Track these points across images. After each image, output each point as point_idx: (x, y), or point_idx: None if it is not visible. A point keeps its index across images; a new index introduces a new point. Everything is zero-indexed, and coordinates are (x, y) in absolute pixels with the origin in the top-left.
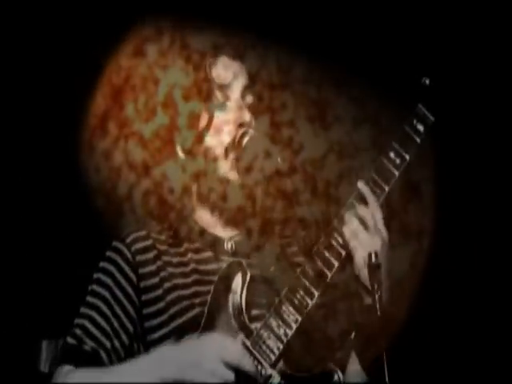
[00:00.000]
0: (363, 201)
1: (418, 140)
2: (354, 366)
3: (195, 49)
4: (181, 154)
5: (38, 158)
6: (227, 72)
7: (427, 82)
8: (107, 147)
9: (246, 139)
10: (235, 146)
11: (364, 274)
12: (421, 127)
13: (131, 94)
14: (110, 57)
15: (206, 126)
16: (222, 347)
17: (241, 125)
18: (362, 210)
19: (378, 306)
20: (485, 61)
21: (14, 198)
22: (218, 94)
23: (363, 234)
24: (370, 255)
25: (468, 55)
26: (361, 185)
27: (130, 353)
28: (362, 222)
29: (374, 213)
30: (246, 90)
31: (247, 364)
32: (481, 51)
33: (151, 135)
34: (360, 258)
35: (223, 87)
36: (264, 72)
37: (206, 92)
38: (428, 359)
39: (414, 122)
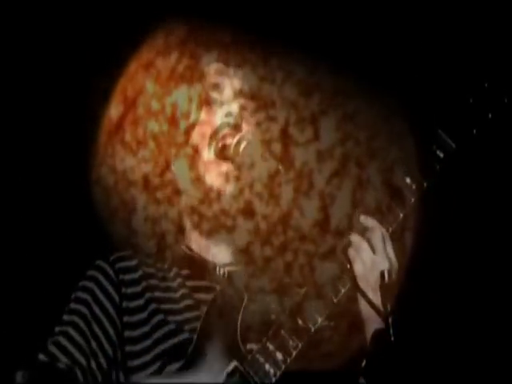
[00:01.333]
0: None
1: (438, 167)
2: None
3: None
4: (176, 166)
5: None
6: (222, 73)
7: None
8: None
9: (242, 146)
10: (232, 153)
11: (376, 296)
12: (441, 154)
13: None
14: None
15: (202, 134)
16: None
17: (236, 129)
18: (370, 234)
19: (391, 331)
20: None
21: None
22: (213, 94)
23: (371, 257)
24: (382, 275)
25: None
26: (363, 218)
27: (107, 378)
28: (371, 245)
29: (383, 238)
30: (241, 93)
31: None
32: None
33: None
34: (365, 279)
35: (215, 87)
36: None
37: (200, 96)
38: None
39: (434, 148)
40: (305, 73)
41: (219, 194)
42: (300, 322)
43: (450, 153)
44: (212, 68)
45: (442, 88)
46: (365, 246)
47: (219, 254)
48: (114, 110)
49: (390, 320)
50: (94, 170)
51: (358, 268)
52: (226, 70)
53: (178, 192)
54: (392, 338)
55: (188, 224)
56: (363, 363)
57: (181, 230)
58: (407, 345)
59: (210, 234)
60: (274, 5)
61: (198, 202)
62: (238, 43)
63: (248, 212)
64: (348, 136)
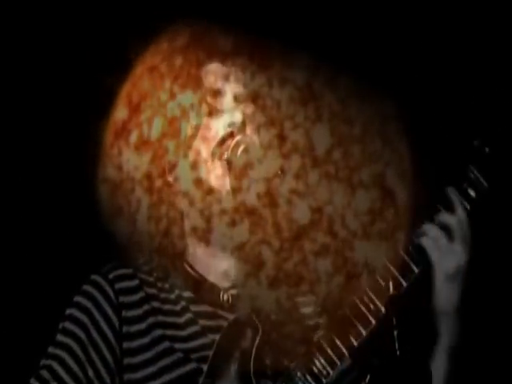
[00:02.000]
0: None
1: (469, 207)
2: None
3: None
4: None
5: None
6: (220, 78)
7: (483, 146)
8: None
9: (240, 149)
10: (230, 155)
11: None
12: (472, 193)
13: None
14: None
15: (200, 139)
16: None
17: (234, 133)
18: (447, 217)
19: (396, 345)
20: None
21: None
22: (211, 101)
23: (446, 244)
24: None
25: None
26: (451, 190)
27: None
28: (447, 230)
29: (462, 223)
30: (239, 97)
31: None
32: None
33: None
34: (440, 274)
35: (216, 93)
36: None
37: (198, 101)
38: None
39: (465, 186)
40: (302, 79)
41: (218, 195)
42: (318, 364)
43: (482, 192)
44: (213, 74)
45: (475, 121)
46: (438, 232)
47: (220, 264)
48: (120, 113)
49: (395, 333)
50: (99, 169)
51: (434, 259)
52: (226, 76)
53: (179, 193)
54: (398, 352)
55: (187, 227)
56: (367, 378)
57: (181, 232)
58: (413, 359)
59: (209, 234)
60: (272, 10)
61: (199, 202)
62: (239, 50)
63: (246, 213)
64: (343, 140)
